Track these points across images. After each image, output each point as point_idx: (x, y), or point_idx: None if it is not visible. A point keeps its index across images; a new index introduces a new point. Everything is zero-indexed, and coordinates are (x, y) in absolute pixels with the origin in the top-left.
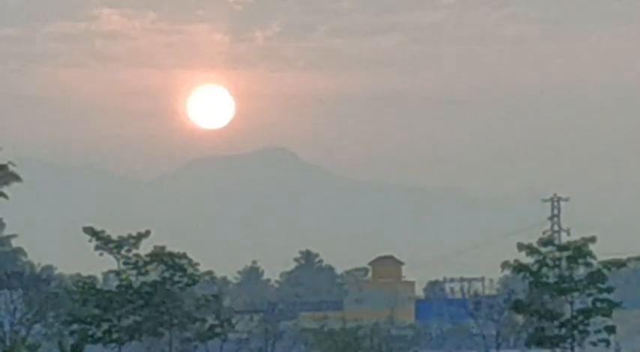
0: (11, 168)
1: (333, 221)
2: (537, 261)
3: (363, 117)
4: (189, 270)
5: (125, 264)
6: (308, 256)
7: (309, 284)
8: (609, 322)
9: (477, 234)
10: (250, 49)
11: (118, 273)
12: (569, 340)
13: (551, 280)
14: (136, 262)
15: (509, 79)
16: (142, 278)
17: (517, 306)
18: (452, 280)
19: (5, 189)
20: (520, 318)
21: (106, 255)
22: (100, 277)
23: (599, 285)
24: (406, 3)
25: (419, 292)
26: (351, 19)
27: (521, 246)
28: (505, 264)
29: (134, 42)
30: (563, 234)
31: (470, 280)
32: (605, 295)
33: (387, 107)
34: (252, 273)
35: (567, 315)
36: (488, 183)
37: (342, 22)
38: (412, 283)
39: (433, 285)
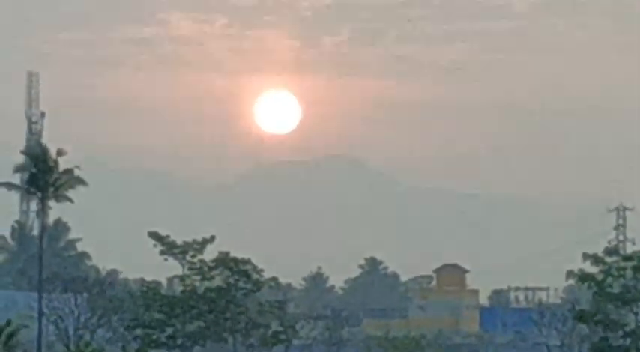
0: (77, 172)
1: (398, 228)
2: (602, 271)
3: (429, 124)
4: (254, 276)
5: (190, 269)
6: (373, 263)
7: (374, 291)
8: None
9: (541, 243)
10: (319, 55)
11: (182, 278)
12: (634, 350)
13: (616, 290)
14: (201, 268)
15: (580, 87)
16: (206, 284)
17: (581, 316)
18: (516, 289)
19: (71, 193)
20: (584, 328)
21: (170, 260)
22: (164, 282)
23: None
24: (476, 11)
25: (483, 300)
26: (420, 27)
27: (586, 256)
28: (570, 273)
29: (203, 47)
30: (629, 244)
31: (534, 289)
32: None
33: (454, 114)
34: (316, 279)
35: (632, 325)
36: (554, 192)
37: (412, 29)
38: (477, 291)
39: (498, 294)
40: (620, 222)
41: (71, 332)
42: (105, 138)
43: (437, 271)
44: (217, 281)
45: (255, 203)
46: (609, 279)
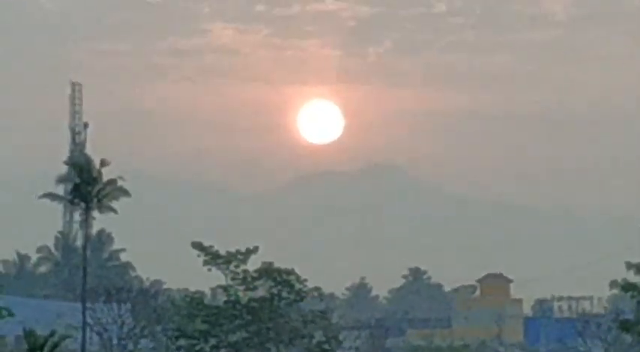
0: (120, 182)
1: (442, 238)
2: None
3: (473, 134)
4: (297, 286)
5: (233, 279)
6: (416, 273)
7: (417, 301)
8: None
9: (585, 253)
10: (362, 65)
11: (225, 289)
12: None
13: None
14: (244, 278)
15: (622, 97)
16: (250, 294)
17: (625, 325)
18: (560, 298)
19: (114, 204)
20: (628, 337)
21: (214, 270)
22: (208, 292)
23: None
24: (519, 21)
25: (527, 310)
26: (464, 36)
27: (629, 265)
28: (613, 283)
29: (245, 57)
30: None
31: (578, 299)
32: None
33: (497, 124)
34: (360, 289)
35: None
36: (597, 202)
37: (455, 38)
38: (520, 301)
39: (541, 303)
40: None
41: (115, 342)
42: (148, 148)
43: (480, 281)
44: (261, 292)
45: (299, 213)
46: None
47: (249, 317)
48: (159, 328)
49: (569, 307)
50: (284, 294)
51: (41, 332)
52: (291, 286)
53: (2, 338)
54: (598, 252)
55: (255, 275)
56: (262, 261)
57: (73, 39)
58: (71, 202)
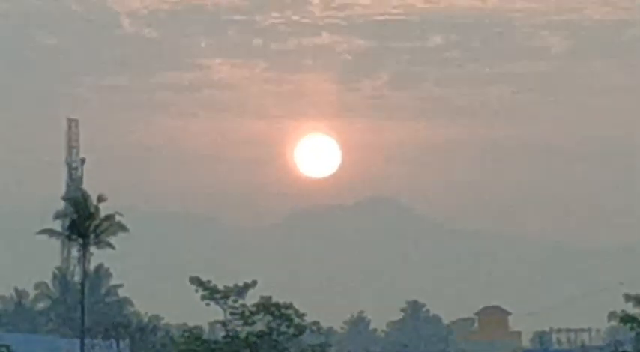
0: (118, 218)
1: (440, 271)
2: None
3: (471, 166)
4: (296, 320)
5: (231, 314)
6: (415, 306)
7: (416, 334)
8: None
9: (583, 285)
10: (358, 99)
11: (224, 323)
12: None
13: None
14: (243, 312)
15: (618, 129)
16: (248, 329)
17: None
18: (558, 330)
19: (112, 239)
20: None
21: (212, 305)
22: (206, 327)
23: None
24: (514, 53)
25: (526, 342)
26: (459, 69)
27: (628, 297)
28: (612, 315)
29: (243, 91)
30: None
31: (577, 330)
32: None
33: (495, 157)
34: (359, 323)
35: None
36: (594, 234)
37: (451, 71)
38: (519, 333)
39: (540, 336)
40: None
41: None
42: (146, 183)
43: (479, 313)
44: (259, 326)
45: (297, 247)
46: None
47: None
48: None
49: (568, 339)
50: (283, 328)
51: None
52: (290, 320)
53: None
54: (596, 284)
55: (253, 309)
56: (260, 295)
57: (71, 74)
58: (69, 238)
